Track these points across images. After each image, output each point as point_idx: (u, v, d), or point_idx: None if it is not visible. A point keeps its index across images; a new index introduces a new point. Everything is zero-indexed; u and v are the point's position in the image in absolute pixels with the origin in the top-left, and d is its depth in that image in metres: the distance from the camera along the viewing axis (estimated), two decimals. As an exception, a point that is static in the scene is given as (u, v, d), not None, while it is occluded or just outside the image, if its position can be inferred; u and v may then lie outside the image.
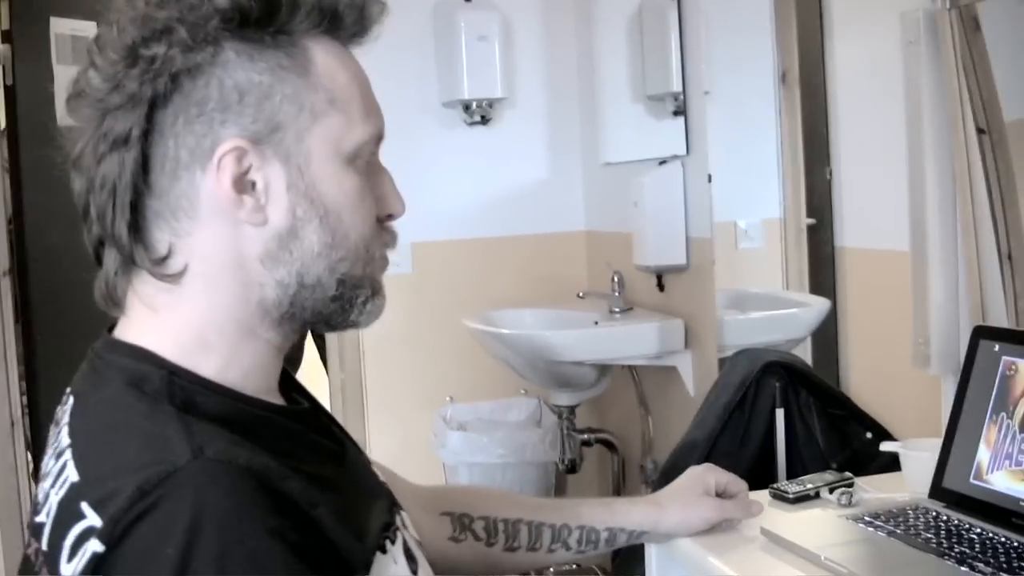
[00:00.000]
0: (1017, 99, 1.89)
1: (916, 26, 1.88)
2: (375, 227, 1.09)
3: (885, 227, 2.39)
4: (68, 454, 1.00)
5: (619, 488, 3.57)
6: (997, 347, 1.77)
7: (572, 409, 3.40)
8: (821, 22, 2.58)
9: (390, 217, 1.12)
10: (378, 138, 1.09)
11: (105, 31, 1.02)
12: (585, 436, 3.47)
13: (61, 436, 1.03)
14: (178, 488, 0.90)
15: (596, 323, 3.30)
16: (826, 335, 2.65)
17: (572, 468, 3.39)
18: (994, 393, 1.74)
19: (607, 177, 3.65)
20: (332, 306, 1.07)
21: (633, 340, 3.19)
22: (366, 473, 1.22)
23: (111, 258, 1.06)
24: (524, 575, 1.56)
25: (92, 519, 0.92)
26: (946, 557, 1.55)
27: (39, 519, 1.00)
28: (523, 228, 3.78)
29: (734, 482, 1.67)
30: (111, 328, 1.10)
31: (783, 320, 3.22)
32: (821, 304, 3.17)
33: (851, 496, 1.84)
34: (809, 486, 1.88)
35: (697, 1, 3.10)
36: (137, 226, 1.03)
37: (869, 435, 2.29)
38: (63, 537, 0.94)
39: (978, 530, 1.64)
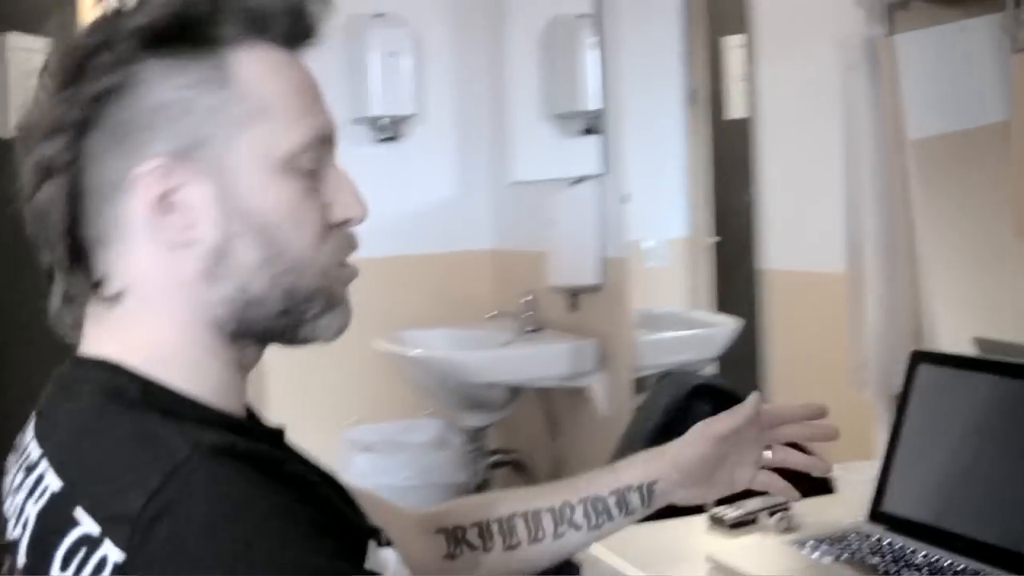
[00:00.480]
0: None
1: (855, 52, 1.88)
2: (323, 236, 1.03)
3: (809, 249, 2.40)
4: (43, 464, 0.96)
5: (528, 511, 3.54)
6: (935, 371, 1.78)
7: (482, 430, 3.36)
8: (750, 47, 2.59)
9: (347, 222, 1.06)
10: (321, 140, 1.03)
11: (47, 60, 1.01)
12: (495, 457, 3.44)
13: (28, 450, 1.00)
14: (187, 482, 0.87)
15: (507, 344, 3.27)
16: (746, 356, 2.65)
17: (481, 490, 3.35)
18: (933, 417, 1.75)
19: (517, 196, 3.63)
20: (282, 321, 1.03)
21: (545, 361, 3.17)
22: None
23: (59, 284, 1.04)
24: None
25: (88, 525, 0.89)
26: (896, 582, 1.54)
27: (13, 535, 0.96)
28: (430, 246, 3.73)
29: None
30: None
31: (696, 340, 3.24)
32: (732, 324, 3.20)
33: (789, 520, 1.82)
34: (747, 511, 1.86)
35: (617, 19, 3.09)
36: (77, 252, 1.00)
37: (794, 458, 2.28)
38: (53, 546, 0.90)
39: (923, 553, 1.64)
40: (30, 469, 0.98)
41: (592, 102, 3.30)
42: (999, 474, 1.65)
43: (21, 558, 0.94)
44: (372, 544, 0.99)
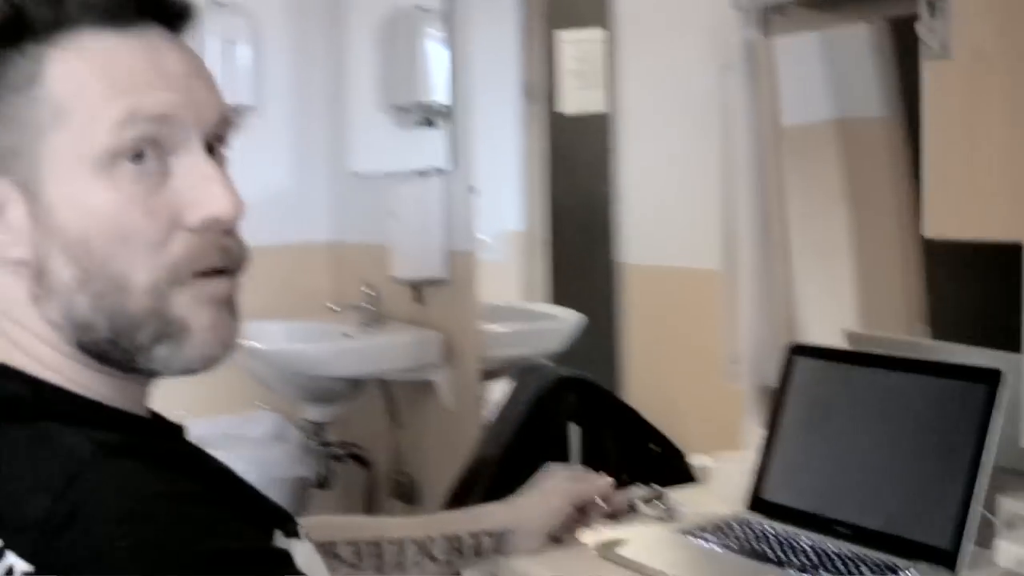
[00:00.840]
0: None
1: (733, 53, 1.93)
2: (159, 245, 0.90)
3: (668, 244, 2.46)
4: None
5: (370, 504, 3.51)
6: (812, 363, 1.85)
7: (323, 424, 3.32)
8: (612, 44, 2.62)
9: (213, 223, 0.91)
10: (147, 120, 0.89)
11: None
12: (336, 451, 3.40)
13: None
14: (92, 483, 0.83)
15: (348, 336, 3.24)
16: (603, 350, 2.70)
17: (323, 484, 3.31)
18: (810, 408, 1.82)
19: (358, 188, 3.59)
20: (114, 349, 0.92)
21: (389, 354, 3.16)
22: None
23: None
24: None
25: None
26: (788, 567, 1.59)
27: None
28: (267, 238, 3.65)
29: (582, 472, 1.73)
30: None
31: (540, 333, 3.27)
32: (575, 317, 3.25)
33: (667, 510, 1.86)
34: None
35: (457, 12, 3.09)
36: None
37: (656, 448, 2.33)
38: None
39: (806, 539, 1.69)
40: None
41: (431, 94, 3.30)
42: (875, 462, 1.72)
43: None
44: (279, 533, 0.96)
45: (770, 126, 1.93)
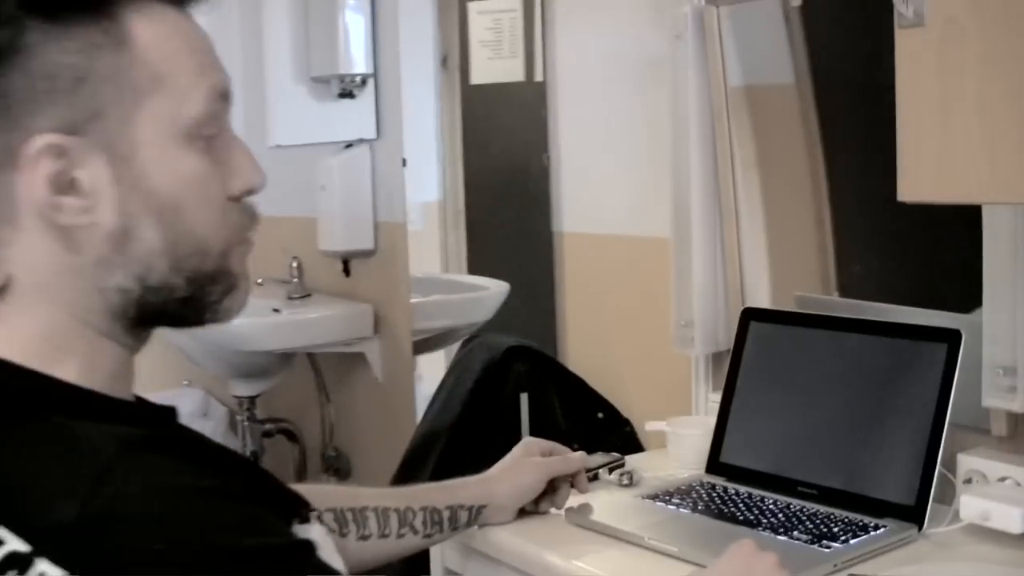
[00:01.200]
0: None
1: (683, 21, 1.95)
2: (226, 211, 0.97)
3: (606, 212, 2.47)
4: None
5: (301, 479, 3.49)
6: (765, 327, 1.88)
7: (253, 399, 3.28)
8: (543, 11, 2.62)
9: (249, 192, 1.00)
10: (221, 97, 0.96)
11: None
12: (266, 426, 3.37)
13: None
14: (120, 483, 0.82)
15: (276, 310, 3.20)
16: (543, 319, 2.70)
17: (254, 459, 3.28)
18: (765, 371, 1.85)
19: (281, 161, 3.54)
20: (183, 307, 0.96)
21: (318, 327, 3.13)
22: None
23: None
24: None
25: (14, 543, 0.81)
26: (760, 528, 1.62)
27: None
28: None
29: (556, 446, 1.71)
30: None
31: (468, 303, 3.27)
32: (500, 287, 3.25)
33: (631, 476, 1.88)
34: (589, 469, 1.90)
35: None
36: None
37: (601, 415, 2.36)
38: None
39: (771, 500, 1.72)
40: None
41: (352, 66, 3.26)
42: (835, 423, 1.76)
43: None
44: (295, 523, 0.99)
45: (720, 92, 1.95)
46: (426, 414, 2.46)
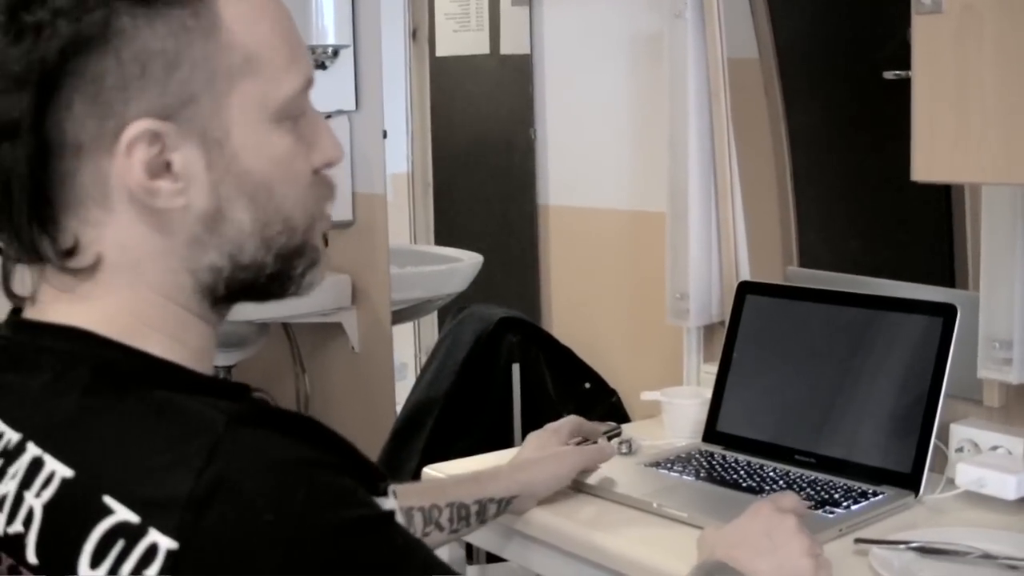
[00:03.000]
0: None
1: (682, 0, 1.98)
2: (310, 186, 0.98)
3: (592, 186, 2.51)
4: (32, 449, 0.87)
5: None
6: (760, 300, 1.93)
7: (228, 369, 3.29)
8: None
9: (328, 165, 1.00)
10: (307, 85, 0.97)
11: None
12: (241, 396, 3.37)
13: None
14: (232, 456, 0.83)
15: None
16: (527, 290, 2.74)
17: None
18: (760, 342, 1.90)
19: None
20: (271, 283, 0.98)
21: (299, 297, 3.13)
22: None
23: (13, 253, 0.94)
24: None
25: (124, 513, 0.82)
26: (763, 494, 1.67)
27: (12, 530, 0.86)
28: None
29: (584, 425, 1.75)
30: (15, 311, 0.98)
31: (443, 274, 3.29)
32: (474, 259, 3.28)
33: (630, 444, 1.93)
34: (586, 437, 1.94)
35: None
36: (41, 218, 0.91)
37: (588, 385, 2.41)
38: (77, 540, 0.82)
39: (771, 468, 1.78)
40: (10, 455, 0.88)
41: (325, 36, 3.27)
42: (831, 394, 1.81)
43: (30, 557, 0.85)
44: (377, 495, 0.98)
45: (718, 69, 1.99)
46: (416, 385, 2.49)
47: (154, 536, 0.80)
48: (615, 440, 1.93)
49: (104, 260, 0.92)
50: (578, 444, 1.74)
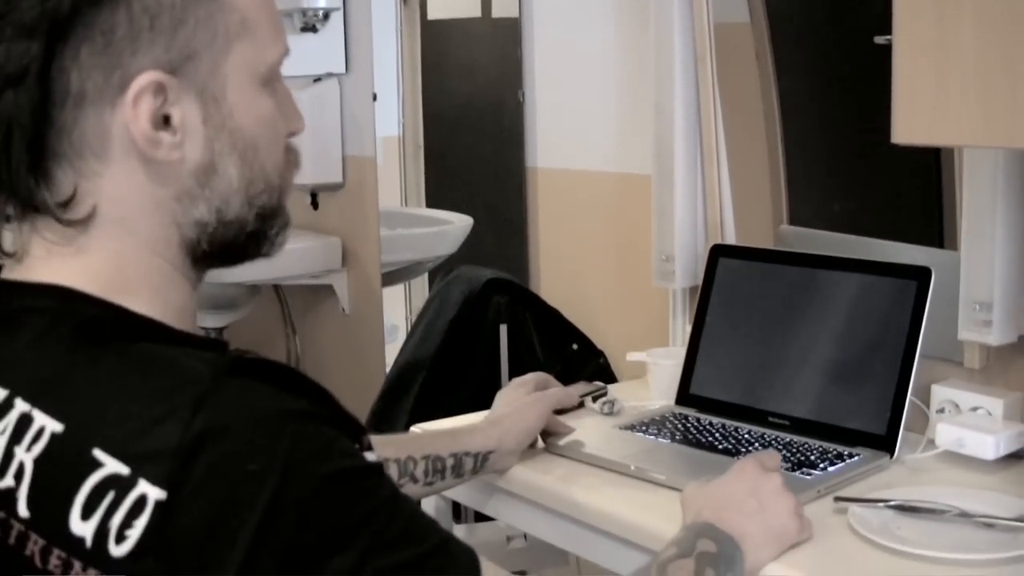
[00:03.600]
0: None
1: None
2: (283, 151, 1.03)
3: (580, 149, 2.52)
4: (21, 404, 0.89)
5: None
6: (733, 263, 1.94)
7: (220, 331, 3.30)
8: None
9: (293, 134, 1.05)
10: (285, 54, 1.03)
11: None
12: (232, 358, 3.38)
13: None
14: (222, 407, 0.85)
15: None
16: (516, 252, 2.75)
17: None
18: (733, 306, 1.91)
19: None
20: (249, 241, 1.01)
21: (288, 259, 3.13)
22: None
23: (3, 202, 0.96)
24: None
25: (114, 465, 0.84)
26: (739, 456, 1.68)
27: (3, 484, 0.88)
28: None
29: (541, 377, 1.77)
30: None
31: (434, 237, 3.31)
32: (464, 221, 3.29)
33: (613, 404, 1.94)
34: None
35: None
36: (39, 168, 0.93)
37: (575, 347, 2.42)
38: (68, 492, 0.84)
39: (746, 430, 1.79)
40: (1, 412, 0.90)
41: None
42: (805, 356, 1.82)
43: (22, 510, 0.87)
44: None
45: (704, 33, 1.99)
46: (405, 345, 2.51)
47: (143, 487, 0.82)
48: (600, 400, 1.95)
49: (98, 212, 0.94)
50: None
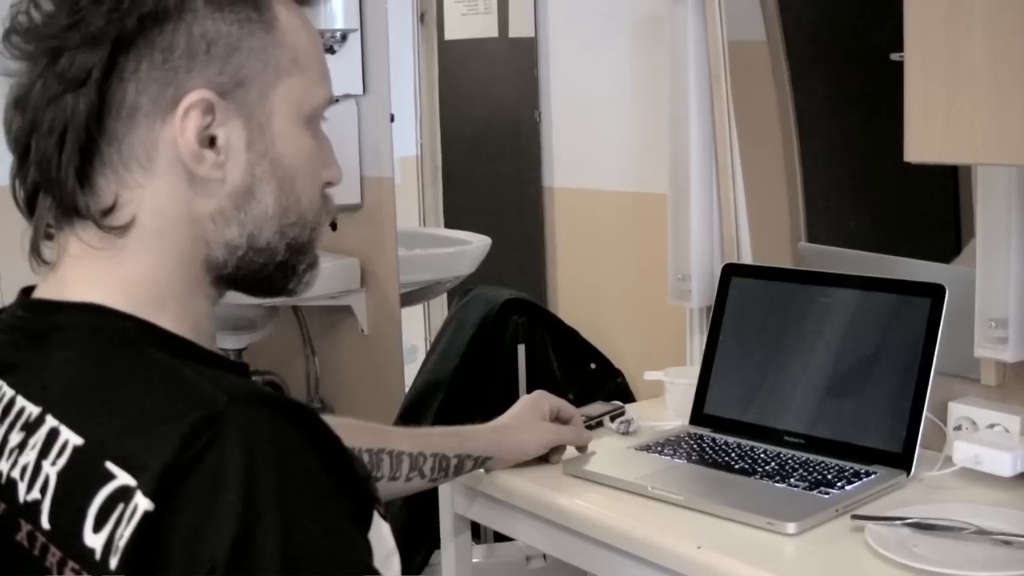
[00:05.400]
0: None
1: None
2: (321, 192, 1.06)
3: (597, 168, 2.52)
4: (50, 420, 0.91)
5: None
6: (746, 282, 1.94)
7: (239, 352, 3.31)
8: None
9: (328, 184, 1.08)
10: (330, 102, 1.07)
11: None
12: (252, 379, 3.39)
13: (18, 408, 0.94)
14: (225, 432, 0.85)
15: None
16: (533, 271, 2.76)
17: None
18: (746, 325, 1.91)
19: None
20: (276, 272, 1.04)
21: (294, 295, 3.15)
22: None
23: (47, 207, 0.99)
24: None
25: (124, 478, 0.85)
26: (756, 476, 1.68)
27: (30, 497, 0.90)
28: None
29: (565, 407, 1.78)
30: (26, 291, 1.03)
31: (454, 257, 3.31)
32: (482, 241, 3.30)
33: (630, 424, 1.94)
34: (591, 416, 1.95)
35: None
36: (84, 173, 0.97)
37: (593, 366, 2.42)
38: (83, 505, 0.86)
39: (762, 450, 1.79)
40: (31, 427, 0.92)
41: (333, 21, 3.28)
42: (819, 375, 1.82)
43: (44, 523, 0.88)
44: (376, 514, 0.97)
45: (718, 51, 2.00)
46: (423, 365, 2.52)
47: (139, 498, 0.84)
48: (617, 420, 1.95)
49: (137, 222, 0.97)
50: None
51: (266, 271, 1.02)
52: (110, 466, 0.86)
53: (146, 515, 0.83)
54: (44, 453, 0.90)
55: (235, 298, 1.06)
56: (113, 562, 0.83)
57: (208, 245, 0.99)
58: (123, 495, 0.84)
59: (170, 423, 0.85)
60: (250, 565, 0.82)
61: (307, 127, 1.02)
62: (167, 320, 0.97)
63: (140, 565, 0.83)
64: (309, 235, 1.04)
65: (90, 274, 0.98)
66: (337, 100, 3.21)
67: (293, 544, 0.83)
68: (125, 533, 0.83)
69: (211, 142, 0.97)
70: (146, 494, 0.83)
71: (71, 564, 0.86)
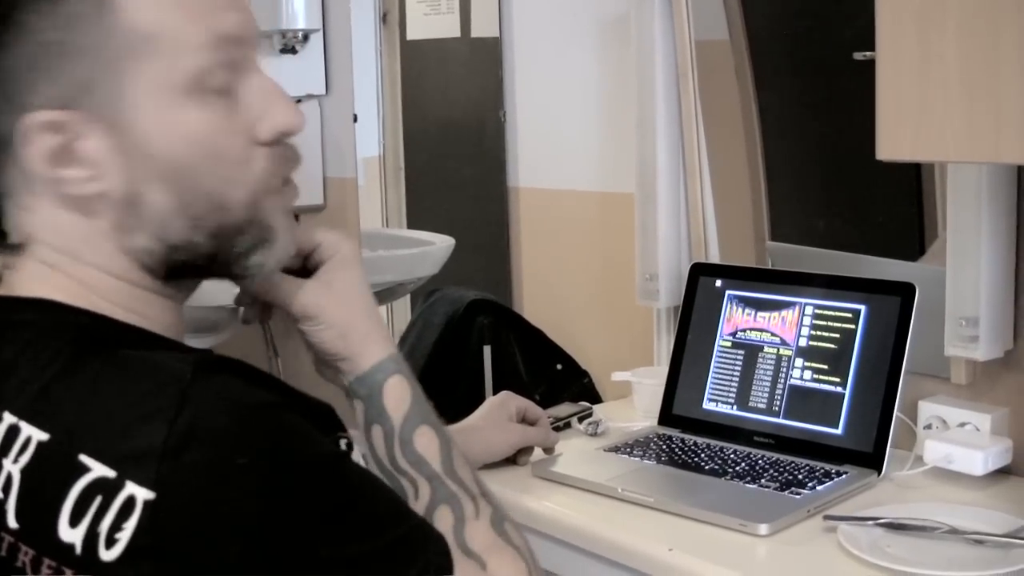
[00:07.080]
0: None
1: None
2: (248, 160, 0.94)
3: (562, 168, 2.51)
4: (9, 418, 0.88)
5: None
6: (717, 282, 1.93)
7: (201, 354, 3.28)
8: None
9: (282, 135, 0.95)
10: (227, 42, 0.91)
11: None
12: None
13: None
14: (201, 402, 0.84)
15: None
16: (499, 272, 2.74)
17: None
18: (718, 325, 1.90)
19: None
20: (211, 263, 0.96)
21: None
22: None
23: None
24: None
25: (101, 469, 0.83)
26: (727, 476, 1.67)
27: None
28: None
29: (532, 408, 1.74)
30: None
31: (417, 258, 3.28)
32: (446, 242, 3.28)
33: (598, 425, 1.93)
34: (559, 417, 1.94)
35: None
36: None
37: (560, 367, 2.41)
38: (55, 500, 0.84)
39: (731, 450, 1.77)
40: None
41: (293, 21, 3.25)
42: (780, 372, 1.81)
43: (11, 522, 0.86)
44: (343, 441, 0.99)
45: (685, 51, 1.99)
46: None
47: (131, 488, 0.82)
48: (585, 421, 1.93)
49: (36, 240, 0.94)
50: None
51: (198, 263, 0.95)
52: (84, 459, 0.83)
53: (148, 504, 0.81)
54: (4, 451, 0.87)
55: (194, 300, 1.02)
56: (107, 555, 0.82)
57: (128, 254, 0.94)
58: (100, 487, 0.83)
59: (145, 406, 0.84)
60: (284, 508, 0.84)
61: (190, 99, 0.90)
62: (123, 317, 0.94)
63: (153, 554, 0.82)
64: (244, 214, 0.94)
65: (38, 281, 0.95)
66: (299, 100, 3.18)
67: (311, 476, 0.87)
68: (126, 526, 0.82)
69: (77, 157, 0.90)
70: (143, 484, 0.82)
71: (47, 561, 0.84)
